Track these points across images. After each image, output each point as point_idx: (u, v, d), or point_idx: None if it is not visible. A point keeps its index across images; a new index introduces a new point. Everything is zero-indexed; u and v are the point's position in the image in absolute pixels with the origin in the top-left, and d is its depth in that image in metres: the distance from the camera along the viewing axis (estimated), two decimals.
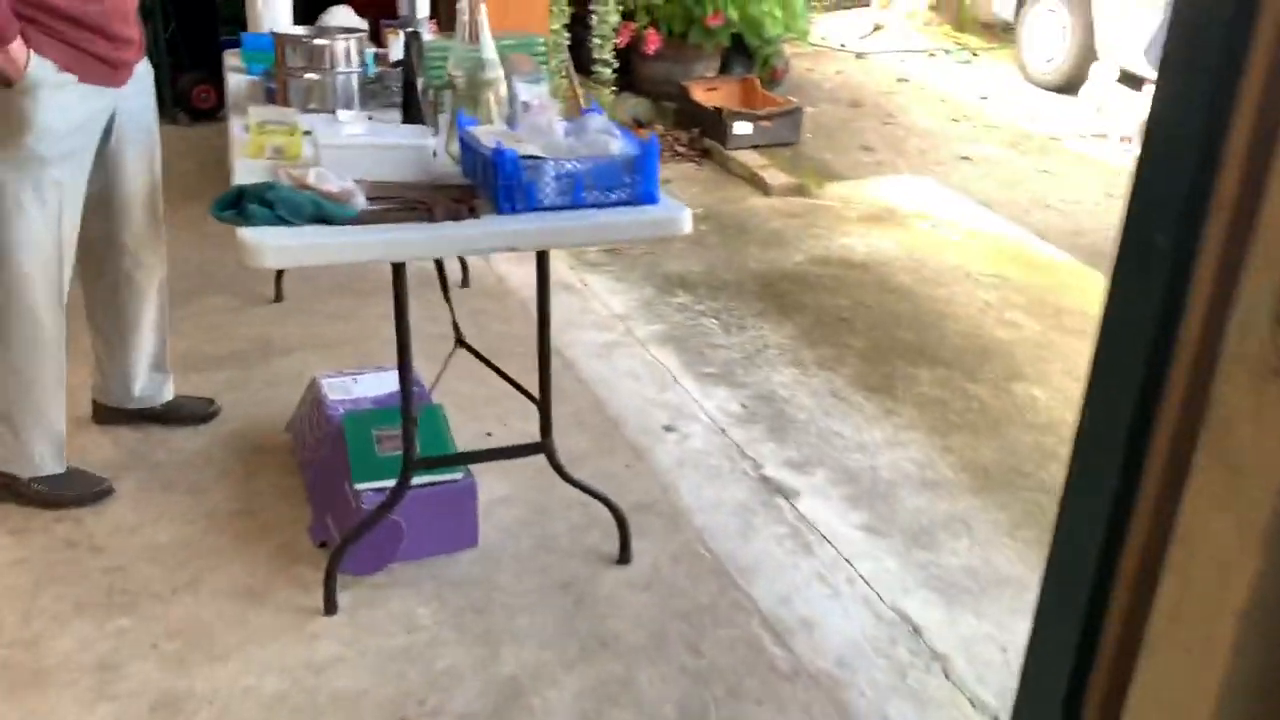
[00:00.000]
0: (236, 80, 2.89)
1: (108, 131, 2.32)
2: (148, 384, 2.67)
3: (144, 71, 2.39)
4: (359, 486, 2.20)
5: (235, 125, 2.40)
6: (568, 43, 4.59)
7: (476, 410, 2.81)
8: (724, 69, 6.14)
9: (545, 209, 1.92)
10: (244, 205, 1.81)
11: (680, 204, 1.99)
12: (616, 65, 4.85)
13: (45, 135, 2.13)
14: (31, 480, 2.39)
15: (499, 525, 2.38)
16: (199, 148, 5.01)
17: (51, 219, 2.20)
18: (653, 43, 5.67)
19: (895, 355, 3.37)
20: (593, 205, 1.95)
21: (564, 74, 4.47)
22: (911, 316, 3.66)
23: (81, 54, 2.15)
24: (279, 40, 2.53)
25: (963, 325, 3.61)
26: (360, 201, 1.88)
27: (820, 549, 2.35)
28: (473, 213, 1.88)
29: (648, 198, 1.98)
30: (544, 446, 2.16)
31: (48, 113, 2.12)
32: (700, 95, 5.72)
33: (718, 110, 5.50)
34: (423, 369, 2.80)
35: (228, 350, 3.16)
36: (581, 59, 5.05)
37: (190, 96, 5.47)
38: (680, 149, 5.56)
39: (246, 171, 2.07)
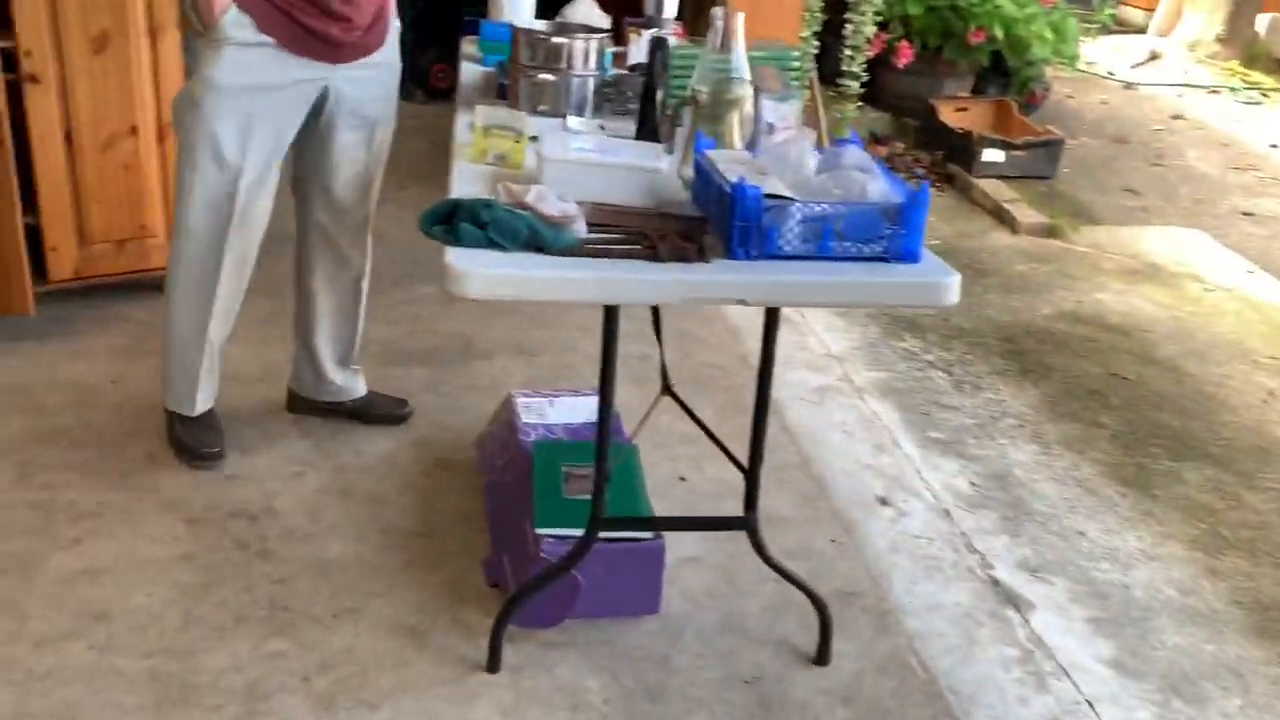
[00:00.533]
0: (470, 70, 2.75)
1: (317, 111, 2.23)
2: (337, 378, 2.58)
3: (379, 60, 2.27)
4: (540, 531, 2.00)
5: (461, 122, 2.24)
6: (815, 51, 4.28)
7: (672, 448, 2.57)
8: (977, 89, 5.68)
9: (784, 257, 1.65)
10: (456, 222, 1.63)
11: (947, 267, 1.68)
12: (866, 78, 4.51)
13: (215, 87, 2.08)
14: (172, 414, 2.42)
15: (684, 591, 2.14)
16: (431, 127, 4.98)
17: (223, 175, 2.16)
18: (904, 56, 5.28)
19: (1155, 443, 2.92)
20: (840, 258, 1.66)
21: (808, 84, 4.17)
22: (1176, 398, 3.19)
23: (288, 20, 2.08)
24: (515, 34, 2.36)
25: (1239, 416, 3.11)
26: (580, 229, 1.67)
27: (1057, 684, 1.99)
28: (701, 254, 1.64)
29: (908, 255, 1.68)
30: (747, 523, 1.90)
31: (225, 67, 2.07)
32: (948, 115, 5.30)
33: (966, 133, 5.07)
34: (621, 396, 2.60)
35: (428, 346, 3.05)
36: (825, 68, 4.73)
37: (428, 75, 5.48)
38: (919, 171, 5.16)
39: (465, 177, 1.90)
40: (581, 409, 2.42)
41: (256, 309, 2.99)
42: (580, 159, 1.89)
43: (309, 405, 2.63)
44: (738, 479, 1.98)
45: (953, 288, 1.64)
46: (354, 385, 2.62)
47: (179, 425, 2.45)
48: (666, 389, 2.06)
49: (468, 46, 2.98)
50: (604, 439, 1.77)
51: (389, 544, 2.21)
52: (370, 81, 2.26)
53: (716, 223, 1.74)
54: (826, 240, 1.66)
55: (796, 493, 2.51)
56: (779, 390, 2.93)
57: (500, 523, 2.21)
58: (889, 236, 1.67)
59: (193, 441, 2.42)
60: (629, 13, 3.09)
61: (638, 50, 2.81)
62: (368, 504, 2.34)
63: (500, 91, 2.52)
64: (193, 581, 2.06)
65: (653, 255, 1.62)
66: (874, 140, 5.34)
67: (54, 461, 2.39)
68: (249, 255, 2.30)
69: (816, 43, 4.27)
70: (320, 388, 2.59)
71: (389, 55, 2.29)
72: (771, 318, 1.79)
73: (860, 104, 4.78)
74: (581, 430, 2.33)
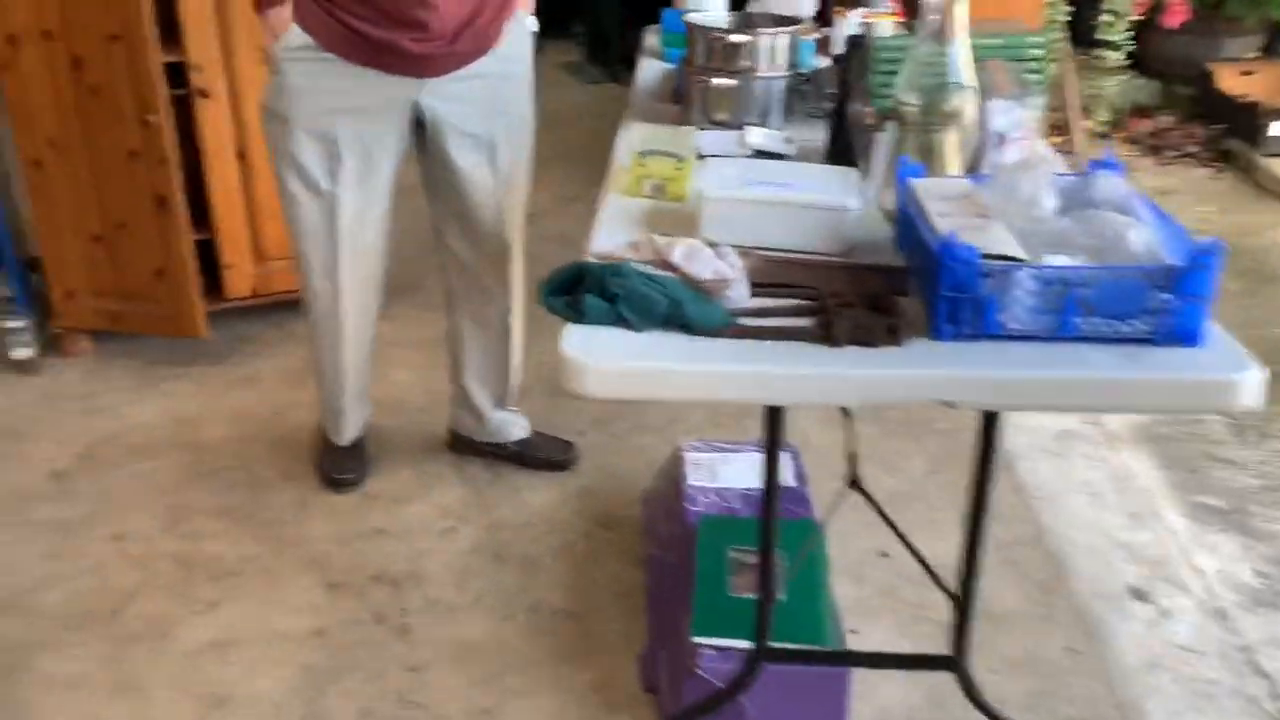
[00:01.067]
0: (648, 69, 2.42)
1: (421, 131, 2.02)
2: (495, 419, 2.35)
3: (483, 70, 1.98)
4: (698, 640, 1.67)
5: (623, 140, 1.92)
6: (1065, 19, 3.66)
7: (873, 512, 2.17)
8: (1267, 48, 4.82)
9: (1009, 337, 1.24)
10: (581, 293, 1.32)
11: (1242, 354, 1.21)
12: (1131, 48, 3.83)
13: (289, 114, 1.94)
14: (322, 439, 2.37)
15: (879, 714, 1.76)
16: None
17: (320, 205, 2.01)
18: (1176, 14, 4.53)
19: None
20: (1088, 338, 1.23)
21: (1058, 57, 3.57)
22: None
23: (349, 32, 1.85)
24: (690, 29, 2.01)
25: None
26: (737, 296, 1.32)
27: None
28: (892, 335, 1.25)
29: (1185, 336, 1.22)
30: (955, 664, 1.49)
31: (295, 90, 1.92)
32: (1229, 82, 4.51)
33: (1252, 103, 4.30)
34: (815, 439, 2.25)
35: None
36: (1077, 35, 4.09)
37: (635, 57, 5.20)
38: (1192, 150, 4.43)
39: (613, 216, 1.59)
40: (760, 468, 2.07)
41: (426, 328, 2.81)
42: (748, 196, 1.52)
43: (469, 446, 2.41)
44: (954, 553, 1.59)
45: (1249, 388, 1.16)
46: (513, 427, 2.37)
47: (325, 449, 2.37)
48: (854, 483, 1.68)
49: (650, 38, 2.66)
50: (767, 568, 1.42)
51: (536, 626, 1.95)
52: (474, 95, 1.99)
53: (918, 277, 1.34)
54: (1069, 314, 1.23)
55: (1025, 577, 2.06)
56: (1011, 437, 2.47)
57: (660, 611, 1.90)
58: (1158, 310, 1.22)
59: (331, 466, 2.34)
60: None
61: (845, 36, 2.41)
62: (519, 571, 2.09)
63: (676, 95, 2.19)
64: (322, 664, 1.87)
65: (827, 336, 1.25)
66: (1138, 113, 4.63)
67: (205, 506, 2.28)
68: (370, 281, 2.15)
69: (1069, 8, 3.66)
70: (479, 429, 2.37)
71: (501, 65, 2.00)
72: (991, 425, 1.36)
73: (1127, 74, 4.11)
74: (756, 500, 1.97)
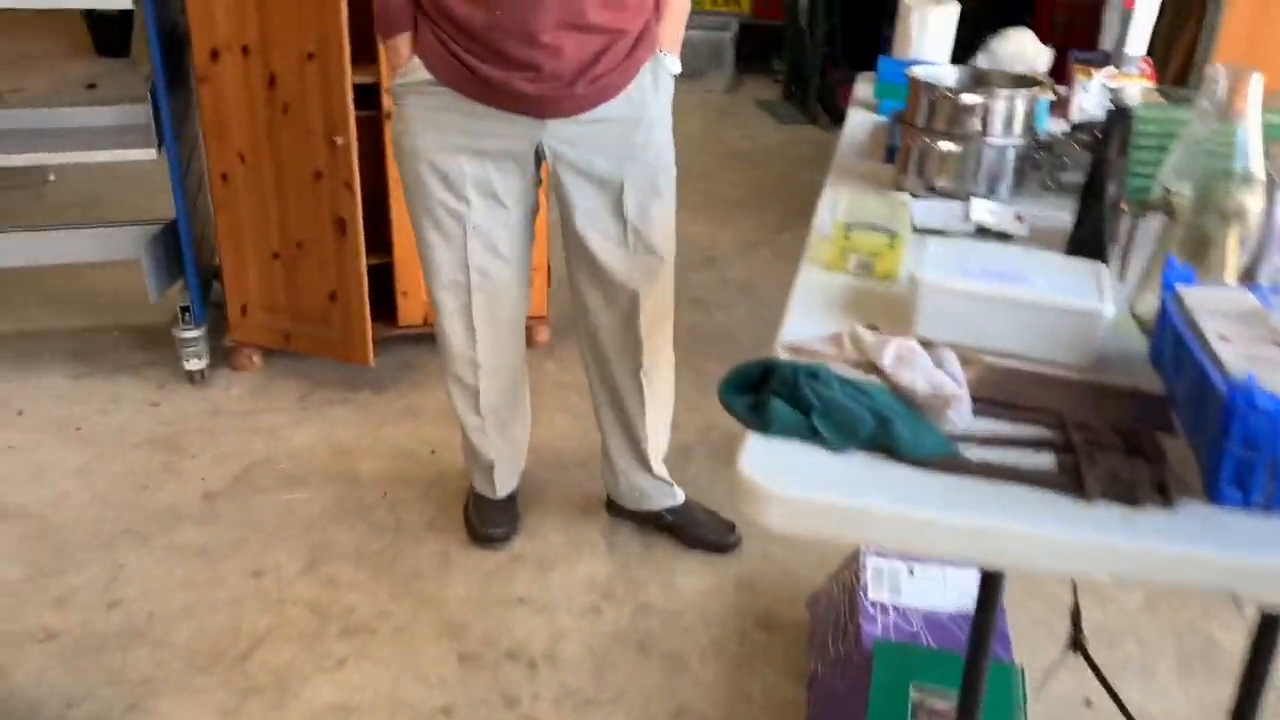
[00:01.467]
0: (856, 121, 2.20)
1: (551, 171, 1.89)
2: (639, 484, 2.17)
3: (609, 114, 1.81)
4: None
5: (825, 203, 1.70)
6: None
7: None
8: None
9: None
10: (767, 395, 1.11)
11: None
12: None
13: (410, 147, 1.86)
14: (472, 491, 2.26)
15: None
16: (829, 157, 4.49)
17: (451, 248, 1.91)
18: None
19: None
20: None
21: None
22: None
23: (465, 69, 1.73)
24: (912, 84, 1.78)
25: None
26: (958, 419, 1.09)
27: None
28: (1163, 495, 0.99)
29: None
30: None
31: (414, 125, 1.83)
32: None
33: None
34: None
35: None
36: None
37: (835, 95, 4.97)
38: None
39: (810, 295, 1.38)
40: (952, 588, 1.80)
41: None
42: (974, 288, 1.28)
43: (621, 510, 2.25)
44: (1169, 711, 1.30)
45: None
46: (661, 496, 2.19)
47: (473, 502, 2.25)
48: (1077, 644, 1.41)
49: (861, 87, 2.43)
50: None
51: None
52: (600, 139, 1.82)
53: (1191, 425, 1.08)
54: None
55: None
56: None
57: None
58: None
59: (479, 521, 2.22)
60: (1076, 45, 2.38)
61: (1085, 98, 2.13)
62: (664, 669, 1.89)
63: (889, 154, 1.96)
64: None
65: (1075, 485, 1.00)
66: None
67: (348, 548, 2.18)
68: (508, 327, 2.03)
69: None
70: (621, 493, 2.20)
71: (633, 109, 1.83)
72: (1272, 625, 1.07)
73: None
74: (945, 629, 1.71)
